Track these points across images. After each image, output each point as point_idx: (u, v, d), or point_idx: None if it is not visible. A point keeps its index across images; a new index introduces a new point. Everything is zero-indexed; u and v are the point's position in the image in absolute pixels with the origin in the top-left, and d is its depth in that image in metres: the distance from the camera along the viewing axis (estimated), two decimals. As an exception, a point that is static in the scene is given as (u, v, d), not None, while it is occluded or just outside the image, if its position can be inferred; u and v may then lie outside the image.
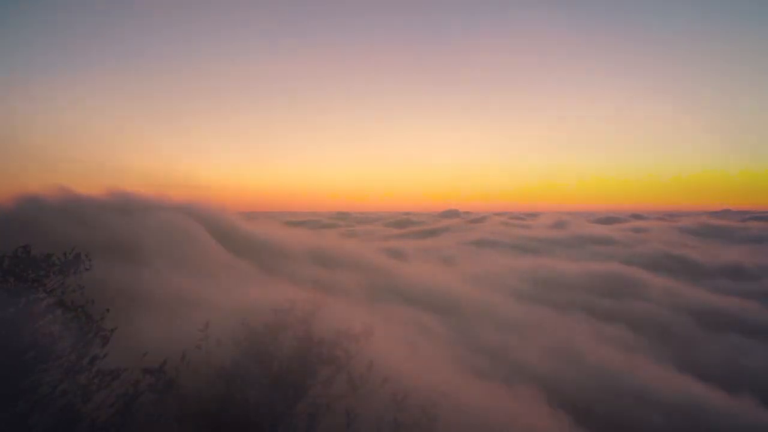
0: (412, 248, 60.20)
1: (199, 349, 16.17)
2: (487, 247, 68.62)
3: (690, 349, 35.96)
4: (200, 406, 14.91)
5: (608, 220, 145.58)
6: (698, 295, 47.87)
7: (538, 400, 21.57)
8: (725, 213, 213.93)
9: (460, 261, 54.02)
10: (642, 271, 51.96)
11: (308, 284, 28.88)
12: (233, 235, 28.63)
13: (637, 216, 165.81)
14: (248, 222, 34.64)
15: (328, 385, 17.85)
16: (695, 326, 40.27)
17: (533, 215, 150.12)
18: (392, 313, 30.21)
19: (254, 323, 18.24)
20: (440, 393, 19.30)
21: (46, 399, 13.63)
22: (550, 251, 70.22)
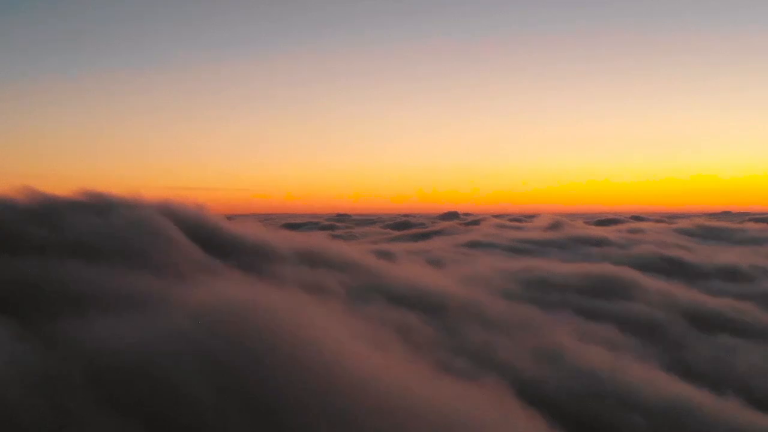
0: (403, 250, 60.10)
1: (161, 349, 16.08)
2: (479, 249, 68.48)
3: (679, 350, 35.70)
4: (159, 406, 14.75)
5: (608, 221, 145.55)
6: (691, 296, 47.54)
7: (520, 400, 21.36)
8: (725, 214, 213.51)
9: (449, 263, 53.80)
10: (634, 272, 51.66)
11: (291, 285, 28.67)
12: (211, 234, 28.34)
13: (636, 218, 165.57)
14: (230, 222, 34.36)
15: (302, 385, 17.61)
16: (686, 327, 39.96)
17: (535, 217, 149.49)
18: (376, 314, 30.02)
19: (223, 322, 18.07)
20: (418, 393, 19.11)
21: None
22: (544, 252, 70.01)
